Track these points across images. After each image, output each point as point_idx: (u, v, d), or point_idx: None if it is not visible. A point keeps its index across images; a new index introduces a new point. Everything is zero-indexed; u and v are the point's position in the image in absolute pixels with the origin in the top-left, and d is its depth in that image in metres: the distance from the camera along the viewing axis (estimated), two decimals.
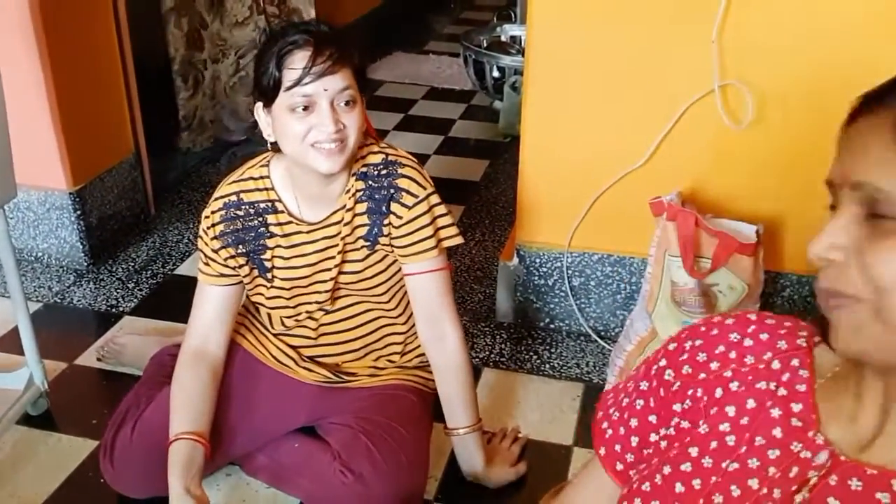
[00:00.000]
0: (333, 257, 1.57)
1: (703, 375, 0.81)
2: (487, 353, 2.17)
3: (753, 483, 0.74)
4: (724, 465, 0.76)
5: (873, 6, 1.73)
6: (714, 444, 0.77)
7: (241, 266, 1.59)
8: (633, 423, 0.87)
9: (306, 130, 1.43)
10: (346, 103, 1.44)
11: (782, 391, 0.76)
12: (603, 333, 2.20)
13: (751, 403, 0.77)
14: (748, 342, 0.80)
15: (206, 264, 1.60)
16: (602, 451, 0.90)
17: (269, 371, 1.70)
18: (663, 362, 0.86)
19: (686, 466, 0.78)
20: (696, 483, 0.77)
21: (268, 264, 1.59)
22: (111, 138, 2.62)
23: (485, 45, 3.83)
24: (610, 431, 0.90)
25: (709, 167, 1.96)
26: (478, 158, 3.40)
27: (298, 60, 1.41)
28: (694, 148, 1.95)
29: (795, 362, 0.77)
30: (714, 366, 0.80)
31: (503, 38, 3.98)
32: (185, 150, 3.24)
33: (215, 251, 1.58)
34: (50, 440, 1.86)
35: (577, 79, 1.97)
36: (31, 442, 1.85)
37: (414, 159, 1.61)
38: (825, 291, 0.67)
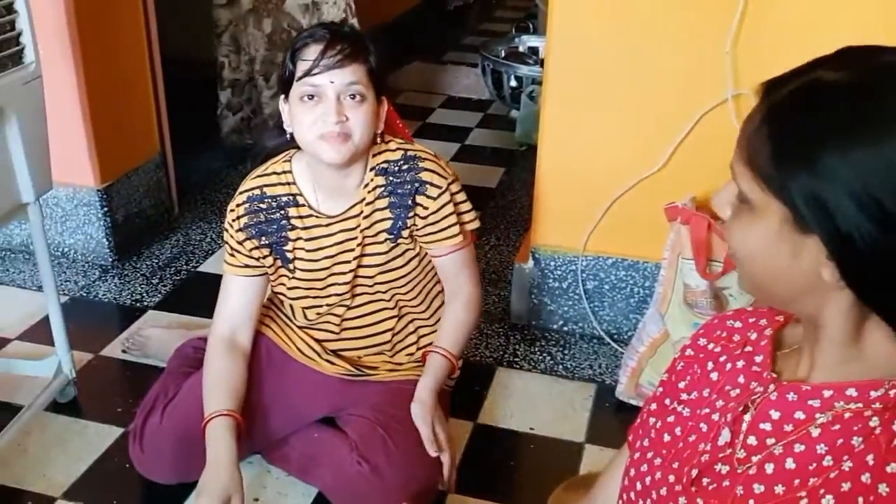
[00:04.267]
0: (352, 250, 1.63)
1: (701, 355, 0.94)
2: (501, 353, 2.21)
3: (715, 416, 0.86)
4: (698, 411, 0.89)
5: (886, 19, 1.78)
6: (694, 398, 0.91)
7: (264, 257, 1.65)
8: (653, 406, 0.98)
9: (313, 120, 1.51)
10: (353, 97, 1.51)
11: (748, 348, 0.89)
12: (616, 336, 2.25)
13: (728, 366, 0.90)
14: (738, 324, 0.93)
15: (232, 255, 1.67)
16: (630, 437, 0.99)
17: (294, 362, 1.75)
18: (677, 354, 0.99)
19: (671, 418, 0.92)
20: (678, 430, 0.90)
21: (290, 255, 1.65)
22: (138, 138, 2.69)
23: (503, 55, 3.89)
24: (638, 420, 1.00)
25: (722, 174, 1.99)
26: (494, 166, 3.45)
27: (311, 53, 1.51)
28: (708, 155, 1.98)
29: (768, 332, 0.90)
30: (710, 346, 0.94)
31: (521, 49, 4.04)
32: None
33: (240, 243, 1.64)
34: (77, 426, 1.92)
35: (595, 87, 2.02)
36: (60, 428, 1.91)
37: (431, 152, 1.68)
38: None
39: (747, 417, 0.82)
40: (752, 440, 0.81)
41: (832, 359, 0.79)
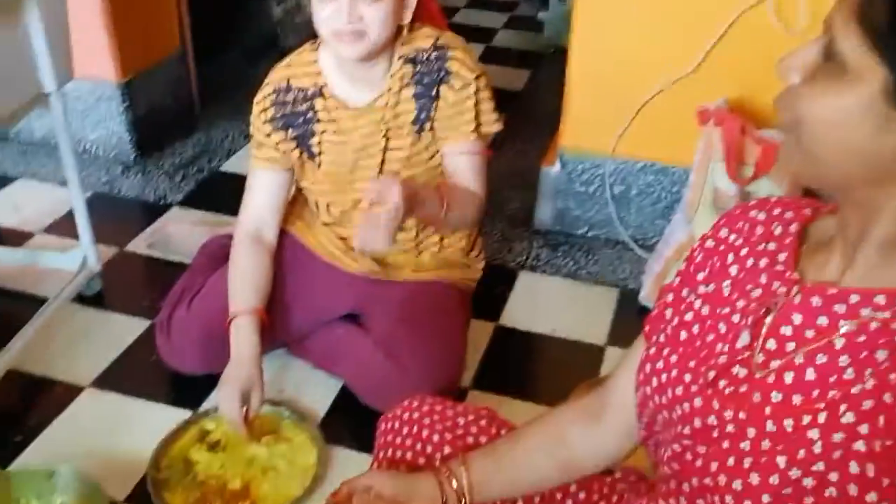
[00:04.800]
0: (378, 142, 1.60)
1: (722, 247, 0.89)
2: (524, 257, 2.20)
3: (735, 318, 0.83)
4: (717, 310, 0.85)
5: None
6: (712, 290, 0.87)
7: (290, 150, 1.63)
8: (669, 297, 0.94)
9: (327, 16, 1.46)
10: None
11: (772, 245, 0.84)
12: (641, 242, 2.23)
13: (750, 262, 0.85)
14: (762, 216, 0.88)
15: (258, 148, 1.65)
16: (647, 328, 0.95)
17: (318, 260, 1.75)
18: (696, 244, 0.94)
19: (689, 316, 0.89)
20: (696, 328, 0.87)
21: (315, 149, 1.62)
22: (159, 33, 2.64)
23: None
24: (655, 311, 0.96)
25: (758, 76, 1.92)
26: (520, 68, 3.37)
27: None
28: (744, 56, 1.92)
29: (793, 227, 0.84)
30: (732, 238, 0.89)
31: None
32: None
33: (266, 135, 1.62)
34: (103, 319, 1.94)
35: None
36: (86, 320, 1.94)
37: (464, 43, 1.62)
38: (778, 114, 0.76)
39: (768, 320, 0.79)
40: (771, 344, 0.78)
41: (869, 262, 0.75)
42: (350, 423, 1.67)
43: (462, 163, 1.64)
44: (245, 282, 1.62)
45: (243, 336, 1.55)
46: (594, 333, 1.94)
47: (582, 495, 1.14)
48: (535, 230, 2.30)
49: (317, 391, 1.74)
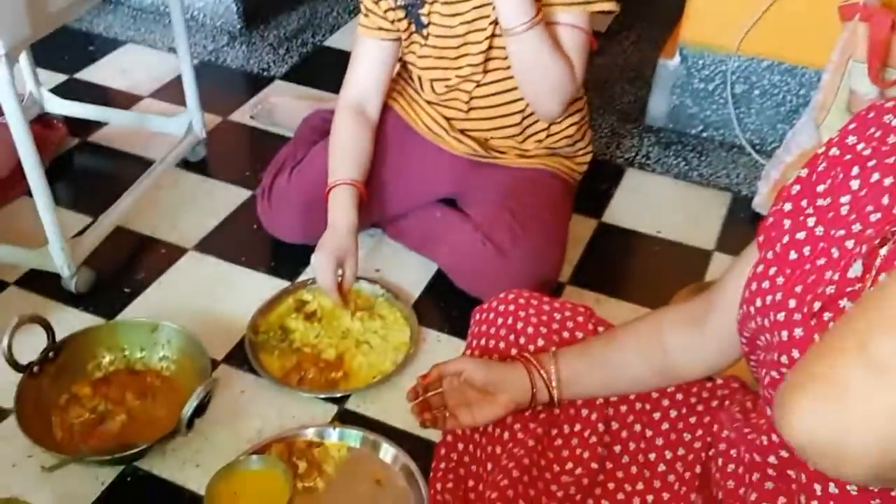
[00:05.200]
0: (488, 16, 1.52)
1: (848, 157, 0.80)
2: (634, 154, 2.11)
3: (849, 243, 0.75)
4: (832, 232, 0.78)
5: None
6: (830, 215, 0.79)
7: (399, 20, 1.57)
8: (787, 206, 0.85)
9: None
10: None
11: None
12: (758, 147, 2.10)
13: (875, 177, 0.76)
14: None
15: (366, 16, 1.59)
16: (761, 237, 0.88)
17: (419, 138, 1.71)
18: (821, 150, 0.85)
19: (800, 235, 0.81)
20: (807, 250, 0.79)
21: (424, 20, 1.55)
22: None
23: None
24: (771, 220, 0.87)
25: None
26: None
27: None
28: None
29: None
30: (860, 147, 0.79)
31: None
32: None
33: (375, 2, 1.56)
34: (207, 185, 1.96)
35: None
36: (190, 185, 1.96)
37: None
38: None
39: (883, 251, 0.70)
40: (884, 279, 0.69)
41: None
42: (443, 307, 1.66)
43: (564, 35, 1.51)
44: (345, 153, 1.60)
45: (341, 205, 1.54)
46: (701, 237, 1.86)
47: (679, 396, 1.10)
48: (646, 127, 2.20)
49: (412, 273, 1.73)
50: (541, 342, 1.16)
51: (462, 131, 1.70)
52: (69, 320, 1.58)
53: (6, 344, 1.31)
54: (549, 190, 1.69)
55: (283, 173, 1.70)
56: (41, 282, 1.66)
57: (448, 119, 1.70)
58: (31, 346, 1.37)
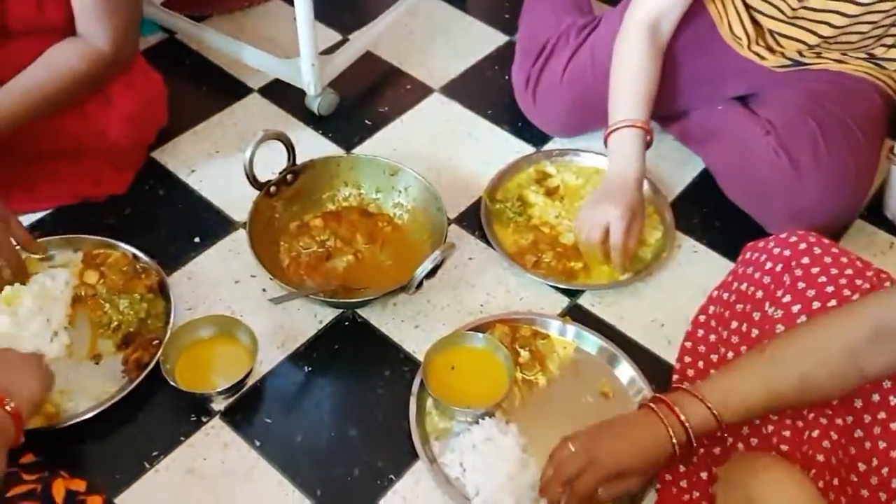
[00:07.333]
0: None
1: None
2: None
3: None
4: None
5: None
6: None
7: None
8: None
9: None
10: None
11: None
12: None
13: None
14: None
15: None
16: None
17: (720, 42, 1.42)
18: None
19: None
20: None
21: None
22: None
23: None
24: None
25: None
26: None
27: None
28: None
29: None
30: None
31: None
32: None
33: None
34: (464, 22, 1.81)
35: None
36: (446, 18, 1.82)
37: None
38: None
39: None
40: None
41: None
42: (703, 212, 1.45)
43: None
44: (634, 87, 1.35)
45: (628, 154, 1.32)
46: None
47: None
48: None
49: (673, 169, 1.52)
50: (796, 308, 1.05)
51: (776, 36, 1.40)
52: (307, 140, 1.50)
53: (248, 156, 1.24)
54: (868, 105, 1.38)
55: (554, 61, 1.51)
56: (283, 95, 1.59)
57: (759, 27, 1.39)
58: (269, 161, 1.30)
